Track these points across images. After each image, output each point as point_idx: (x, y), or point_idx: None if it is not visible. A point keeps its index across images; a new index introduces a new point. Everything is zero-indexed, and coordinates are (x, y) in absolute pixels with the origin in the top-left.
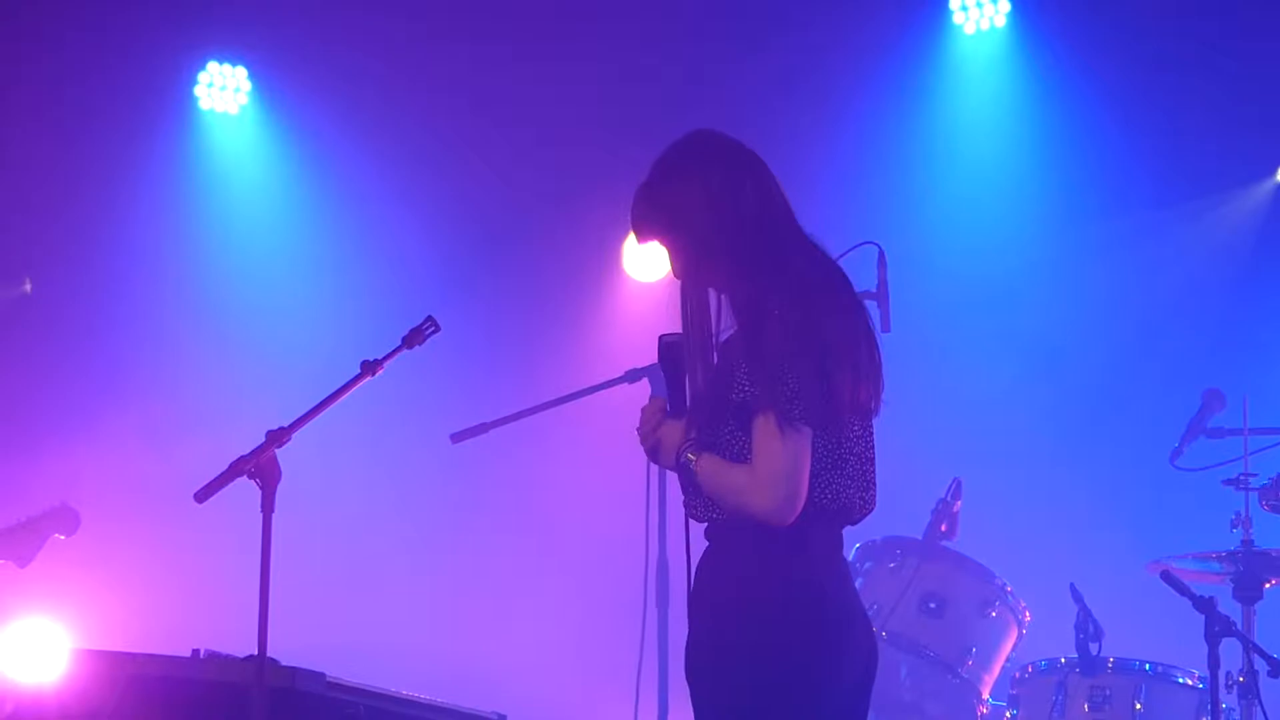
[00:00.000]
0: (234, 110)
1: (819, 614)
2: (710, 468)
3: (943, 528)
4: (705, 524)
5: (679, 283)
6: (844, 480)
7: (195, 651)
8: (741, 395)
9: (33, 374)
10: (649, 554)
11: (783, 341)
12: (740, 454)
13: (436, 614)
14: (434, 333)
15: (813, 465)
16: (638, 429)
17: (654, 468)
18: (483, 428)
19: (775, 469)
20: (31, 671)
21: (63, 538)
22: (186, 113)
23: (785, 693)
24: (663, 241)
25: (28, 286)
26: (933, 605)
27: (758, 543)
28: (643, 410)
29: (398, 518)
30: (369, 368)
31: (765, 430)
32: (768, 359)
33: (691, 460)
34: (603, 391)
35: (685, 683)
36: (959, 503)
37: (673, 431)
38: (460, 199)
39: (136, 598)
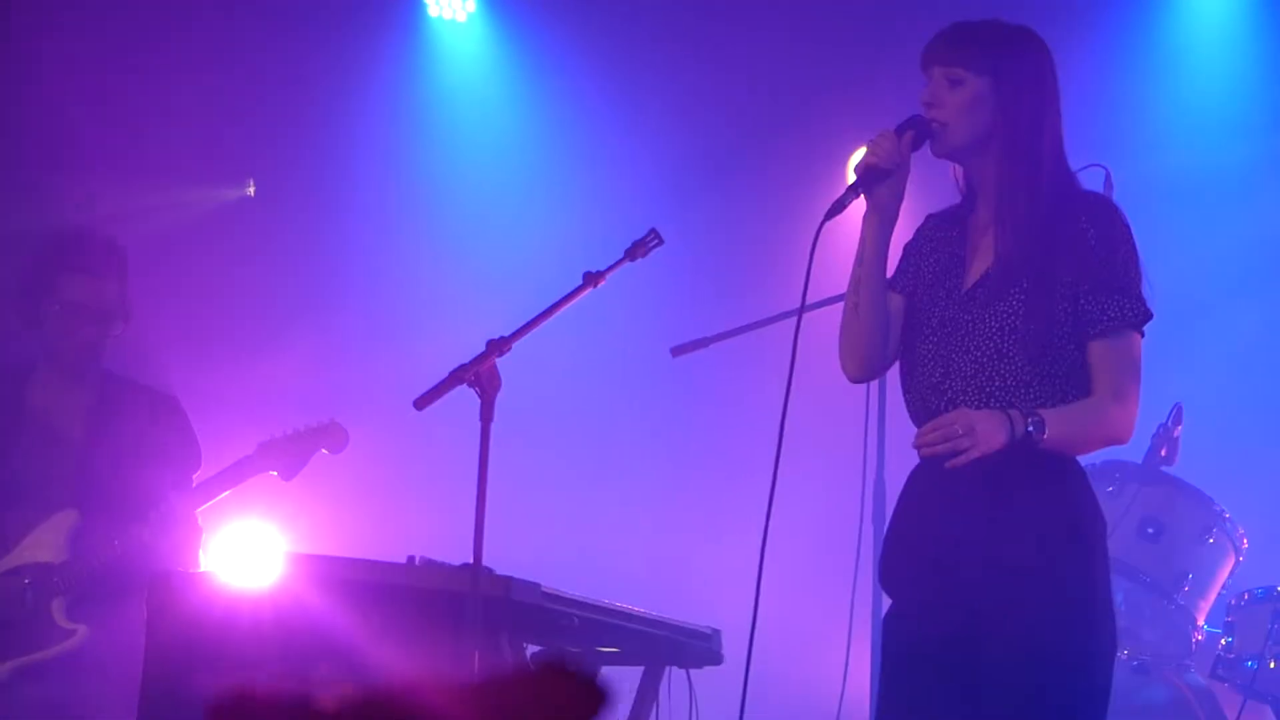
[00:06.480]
0: (461, 18)
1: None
2: (1060, 425)
3: (1162, 452)
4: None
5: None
6: None
7: (410, 558)
8: (1091, 305)
9: (262, 274)
10: (866, 475)
11: (1132, 248)
12: (1071, 372)
13: (648, 528)
14: (657, 245)
15: None
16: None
17: (874, 388)
18: (703, 342)
19: (1136, 389)
20: (246, 574)
21: (327, 453)
22: (414, 19)
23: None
24: (975, 83)
25: (251, 189)
26: (1150, 530)
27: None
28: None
29: (609, 431)
30: (591, 279)
31: (1132, 347)
32: (1131, 269)
33: (1036, 432)
34: (823, 310)
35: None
36: (1179, 428)
37: (989, 420)
38: (685, 115)
39: (352, 503)
